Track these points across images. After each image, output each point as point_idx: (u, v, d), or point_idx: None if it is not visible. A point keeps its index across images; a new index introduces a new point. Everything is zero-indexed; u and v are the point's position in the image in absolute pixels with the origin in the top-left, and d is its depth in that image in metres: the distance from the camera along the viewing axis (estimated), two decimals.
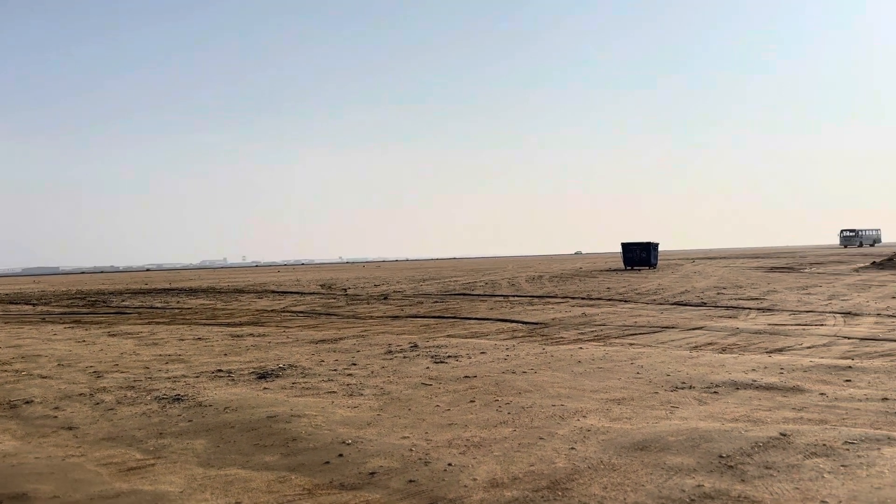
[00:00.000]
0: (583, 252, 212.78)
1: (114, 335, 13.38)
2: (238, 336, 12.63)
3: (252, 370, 8.54)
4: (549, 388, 6.91)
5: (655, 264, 38.91)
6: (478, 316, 15.56)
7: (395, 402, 6.53)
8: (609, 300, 18.97)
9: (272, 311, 19.05)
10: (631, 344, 10.36)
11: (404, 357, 9.33)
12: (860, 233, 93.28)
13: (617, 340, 10.86)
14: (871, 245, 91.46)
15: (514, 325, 13.64)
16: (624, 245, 39.55)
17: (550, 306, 17.59)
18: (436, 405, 6.32)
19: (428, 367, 8.40)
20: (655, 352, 9.37)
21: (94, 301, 25.33)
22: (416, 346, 10.41)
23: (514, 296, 21.61)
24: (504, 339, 11.27)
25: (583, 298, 19.77)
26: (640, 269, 37.51)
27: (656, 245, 39.03)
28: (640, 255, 38.69)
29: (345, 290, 27.54)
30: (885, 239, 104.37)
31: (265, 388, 7.35)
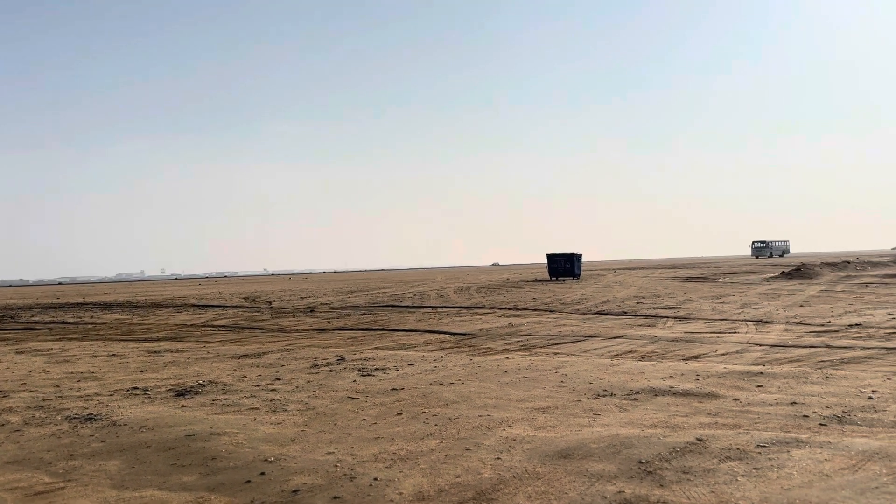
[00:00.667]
0: (500, 264, 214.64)
1: (21, 352, 12.65)
2: (155, 352, 12.16)
3: (170, 387, 8.23)
4: (476, 399, 6.95)
5: (579, 275, 39.82)
6: (406, 328, 15.52)
7: (321, 416, 6.42)
8: (535, 310, 19.28)
9: (192, 325, 18.44)
10: (556, 353, 10.54)
11: (331, 371, 9.19)
12: (770, 244, 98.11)
13: (542, 350, 11.03)
14: (781, 256, 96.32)
15: (442, 336, 13.67)
16: (549, 256, 40.33)
17: (478, 317, 17.73)
18: (362, 419, 6.24)
19: (355, 381, 8.30)
20: (579, 360, 9.57)
21: (0, 317, 23.91)
22: (342, 359, 10.28)
23: (442, 307, 21.67)
24: (432, 351, 11.27)
25: (510, 309, 20.02)
26: (564, 280, 38.30)
27: (579, 256, 39.96)
28: (564, 266, 39.53)
29: (270, 303, 26.97)
30: (793, 250, 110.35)
31: (184, 406, 7.09)
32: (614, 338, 12.36)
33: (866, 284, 26.51)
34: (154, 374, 9.49)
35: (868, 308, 16.76)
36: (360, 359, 10.26)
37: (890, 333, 11.68)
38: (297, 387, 8.04)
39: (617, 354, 10.27)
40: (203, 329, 17.13)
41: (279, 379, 8.65)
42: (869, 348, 10.02)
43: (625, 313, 17.46)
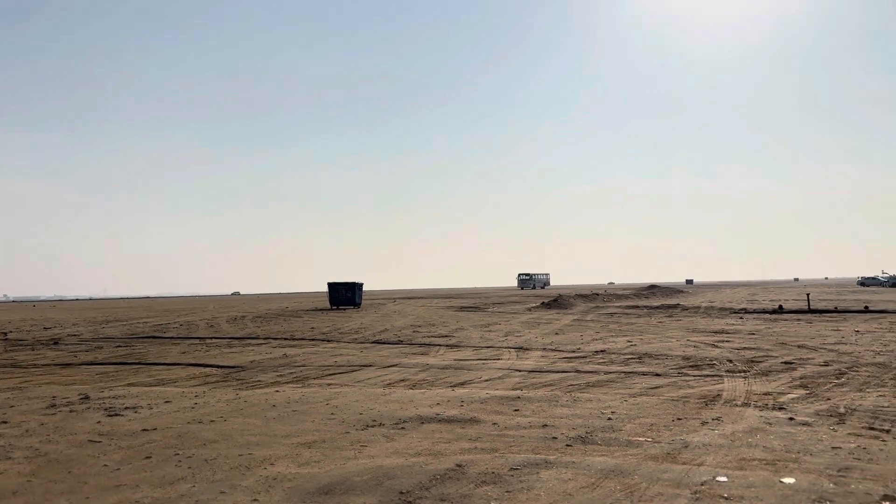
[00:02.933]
0: (240, 293, 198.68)
1: None
2: None
3: None
4: (238, 437, 6.55)
5: (360, 304, 40.04)
6: (167, 361, 14.34)
7: (53, 464, 5.62)
8: (312, 340, 18.92)
9: None
10: (329, 384, 10.36)
11: (71, 411, 8.15)
12: (534, 276, 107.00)
13: (316, 381, 10.79)
14: (542, 287, 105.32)
15: (207, 369, 12.82)
16: (330, 285, 40.09)
17: (251, 348, 16.96)
18: (103, 465, 5.57)
19: (99, 422, 7.42)
20: (352, 391, 9.49)
21: None
22: (87, 397, 9.17)
23: (211, 338, 20.43)
24: (194, 386, 10.50)
25: (285, 339, 19.44)
26: (345, 309, 38.24)
27: (360, 285, 40.25)
28: (345, 295, 39.53)
29: (5, 333, 23.53)
30: (553, 282, 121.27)
31: None
32: (389, 366, 12.48)
33: (612, 314, 29.75)
34: None
35: (612, 336, 18.75)
36: (109, 397, 9.25)
37: (628, 359, 13.12)
38: (27, 430, 7.00)
39: (390, 383, 10.35)
40: None
41: (5, 422, 7.48)
42: (610, 372, 11.16)
43: (401, 342, 17.78)
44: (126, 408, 8.30)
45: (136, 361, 14.37)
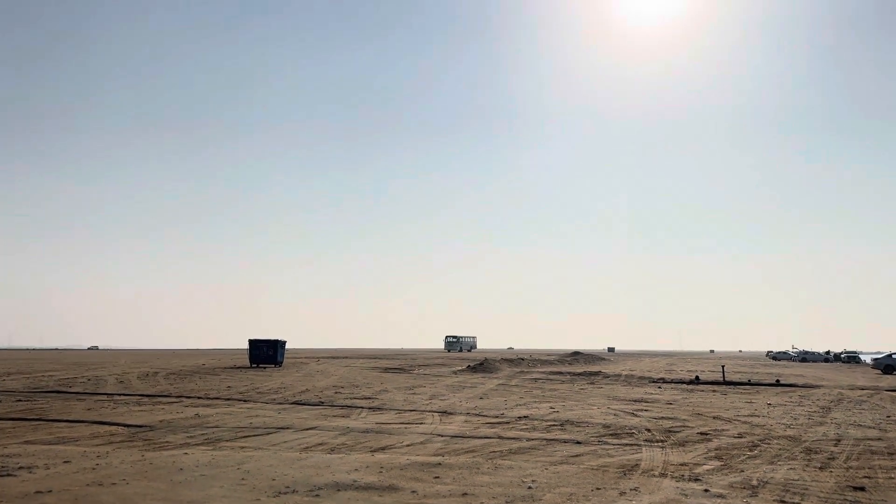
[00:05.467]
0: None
1: None
2: None
3: None
4: (139, 502, 6.15)
5: (281, 362, 38.93)
6: (70, 418, 13.47)
7: None
8: (228, 399, 18.19)
9: None
10: (242, 447, 9.93)
11: None
12: (461, 339, 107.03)
13: (228, 444, 10.32)
14: (469, 350, 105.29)
15: (113, 427, 12.10)
16: (251, 342, 38.91)
17: (161, 406, 16.15)
18: None
19: None
20: (266, 455, 9.11)
21: None
22: None
23: (120, 394, 19.37)
24: (97, 445, 9.87)
25: (200, 398, 18.61)
26: (265, 367, 37.09)
27: (283, 343, 39.23)
28: (266, 353, 38.40)
29: None
30: (479, 345, 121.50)
31: None
32: (307, 429, 12.08)
33: (536, 380, 29.93)
34: None
35: (535, 402, 18.82)
36: (2, 455, 8.57)
37: (550, 425, 13.15)
38: None
39: (307, 447, 10.01)
40: None
41: None
42: (533, 439, 11.14)
43: (322, 403, 17.31)
44: (20, 467, 7.71)
45: (37, 417, 13.44)
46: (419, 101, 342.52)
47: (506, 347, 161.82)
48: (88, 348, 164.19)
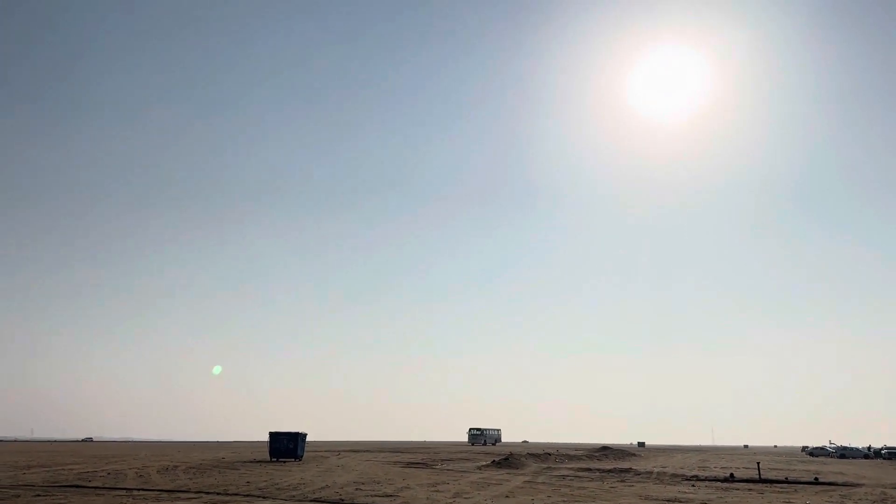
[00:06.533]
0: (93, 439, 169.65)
1: None
2: None
3: None
4: None
5: (302, 455, 38.22)
6: None
7: None
8: (247, 496, 17.79)
9: None
10: None
11: None
12: (485, 431, 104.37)
13: None
14: (494, 444, 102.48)
15: None
16: (272, 434, 38.38)
17: (180, 502, 15.85)
18: None
19: None
20: None
21: None
22: None
23: (139, 489, 19.06)
24: None
25: (218, 493, 18.24)
26: (286, 461, 36.39)
27: (304, 436, 38.63)
28: (287, 446, 37.77)
29: None
30: (504, 438, 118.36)
31: None
32: None
33: (563, 477, 28.94)
34: None
35: (564, 501, 18.14)
36: None
37: None
38: None
39: None
40: None
41: None
42: None
43: (342, 501, 16.86)
44: None
45: None
46: (443, 186, 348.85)
47: (520, 441, 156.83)
48: (83, 440, 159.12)
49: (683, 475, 30.94)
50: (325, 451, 55.82)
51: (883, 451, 73.18)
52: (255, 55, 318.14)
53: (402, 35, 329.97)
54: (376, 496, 18.24)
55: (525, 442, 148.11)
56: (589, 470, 34.74)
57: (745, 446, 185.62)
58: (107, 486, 20.00)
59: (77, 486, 19.50)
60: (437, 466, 34.86)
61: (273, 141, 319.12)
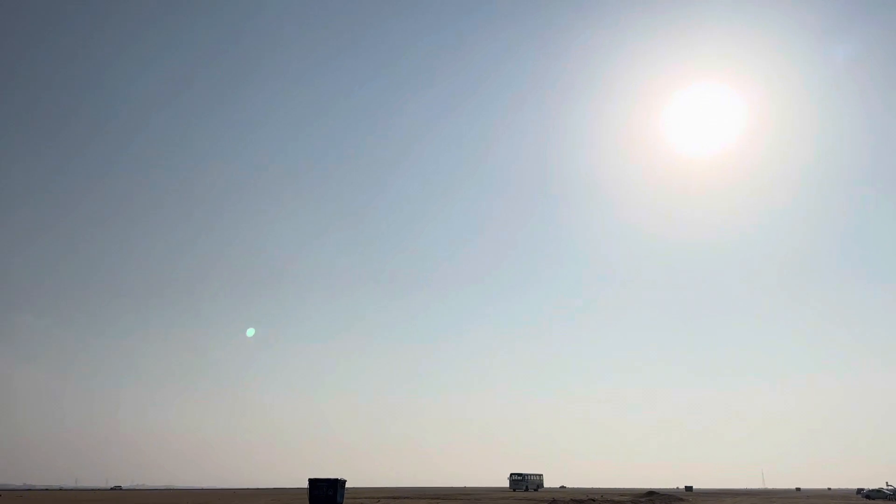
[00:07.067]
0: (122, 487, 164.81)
1: None
2: None
3: None
4: None
5: (341, 503, 37.89)
6: None
7: None
8: None
9: None
10: None
11: None
12: (527, 477, 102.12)
13: None
14: (535, 489, 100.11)
15: None
16: (311, 482, 38.17)
17: None
18: None
19: None
20: None
21: None
22: None
23: None
24: None
25: None
26: None
27: (343, 482, 38.34)
28: (326, 493, 37.50)
29: None
30: (546, 483, 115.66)
31: None
32: None
33: None
34: None
35: None
36: None
37: None
38: None
39: None
40: None
41: None
42: None
43: None
44: None
45: None
46: (477, 225, 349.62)
47: (558, 486, 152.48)
48: (111, 488, 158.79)
49: None
50: (365, 497, 55.21)
51: None
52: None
53: (434, 104, 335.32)
54: None
55: (563, 487, 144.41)
56: None
57: (798, 489, 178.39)
58: None
59: None
60: None
61: None
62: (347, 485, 40.43)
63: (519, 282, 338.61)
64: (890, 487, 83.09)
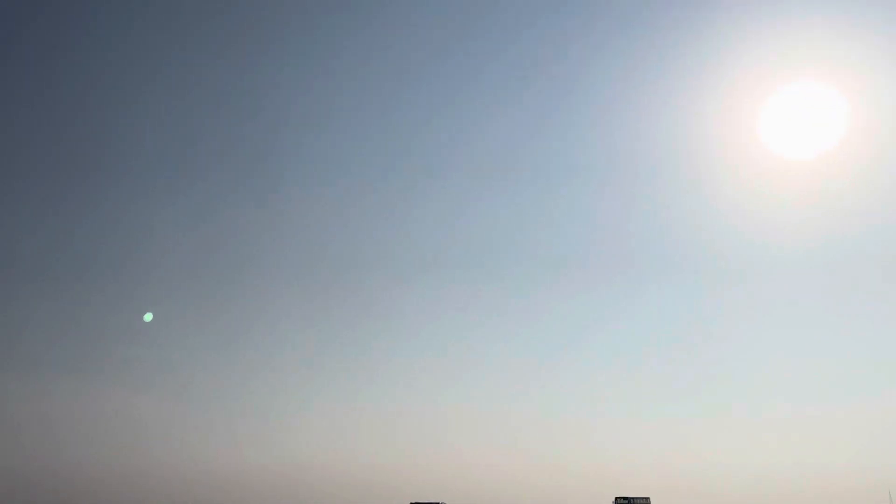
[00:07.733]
0: None
1: None
2: None
3: None
4: None
5: None
6: None
7: None
8: None
9: None
10: None
11: None
12: (633, 501, 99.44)
13: None
14: None
15: None
16: None
17: None
18: None
19: None
20: None
21: None
22: None
23: None
24: None
25: None
26: None
27: None
28: None
29: None
30: None
31: None
32: None
33: None
34: None
35: None
36: None
37: None
38: None
39: None
40: None
41: None
42: None
43: None
44: None
45: None
46: (575, 246, 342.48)
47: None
48: None
49: None
50: None
51: None
52: None
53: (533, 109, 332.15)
54: None
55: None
56: None
57: None
58: None
59: None
60: None
61: None
62: None
63: (624, 309, 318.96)
64: None
